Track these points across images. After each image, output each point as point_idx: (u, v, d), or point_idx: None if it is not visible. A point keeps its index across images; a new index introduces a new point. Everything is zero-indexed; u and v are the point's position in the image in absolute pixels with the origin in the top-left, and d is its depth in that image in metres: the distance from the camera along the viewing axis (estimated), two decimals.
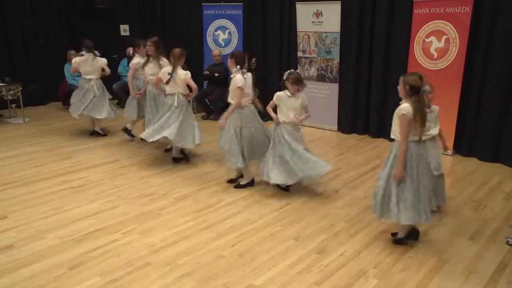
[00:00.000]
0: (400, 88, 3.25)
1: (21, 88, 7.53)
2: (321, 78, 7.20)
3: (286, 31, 7.63)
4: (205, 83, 8.31)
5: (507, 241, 3.55)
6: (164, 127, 5.06)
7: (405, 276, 3.09)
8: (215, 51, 8.08)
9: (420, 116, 3.15)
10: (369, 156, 5.83)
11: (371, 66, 6.65)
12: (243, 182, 4.73)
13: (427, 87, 3.27)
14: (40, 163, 5.42)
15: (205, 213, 4.06)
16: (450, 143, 5.83)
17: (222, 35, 8.33)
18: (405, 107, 3.17)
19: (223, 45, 8.30)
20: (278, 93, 4.35)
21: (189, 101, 5.34)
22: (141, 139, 5.26)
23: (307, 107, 4.41)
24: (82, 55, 6.21)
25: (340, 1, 6.67)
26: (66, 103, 7.57)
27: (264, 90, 7.37)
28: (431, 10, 5.82)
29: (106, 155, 5.74)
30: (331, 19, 6.83)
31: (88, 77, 6.26)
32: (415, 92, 3.15)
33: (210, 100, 7.96)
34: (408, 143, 3.21)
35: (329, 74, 7.09)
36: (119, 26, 9.43)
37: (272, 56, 7.90)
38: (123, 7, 9.35)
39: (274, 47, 7.88)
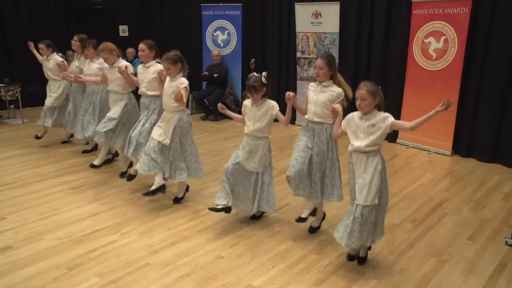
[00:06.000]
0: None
1: (20, 89, 7.53)
2: None
3: (285, 31, 7.64)
4: (204, 83, 8.31)
5: (506, 241, 3.55)
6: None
7: (404, 277, 3.09)
8: (214, 51, 8.08)
9: None
10: None
11: (370, 66, 6.65)
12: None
13: None
14: (38, 164, 5.41)
15: (204, 214, 4.06)
16: (449, 144, 5.85)
17: (221, 35, 8.32)
18: None
19: (222, 45, 8.30)
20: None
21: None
22: None
23: None
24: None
25: (339, 2, 6.68)
26: None
27: None
28: (429, 11, 5.83)
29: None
30: (330, 20, 6.84)
31: None
32: None
33: (209, 100, 7.96)
34: None
35: None
36: (118, 27, 9.42)
37: (271, 56, 7.91)
38: (122, 8, 9.34)
39: (273, 47, 7.88)
